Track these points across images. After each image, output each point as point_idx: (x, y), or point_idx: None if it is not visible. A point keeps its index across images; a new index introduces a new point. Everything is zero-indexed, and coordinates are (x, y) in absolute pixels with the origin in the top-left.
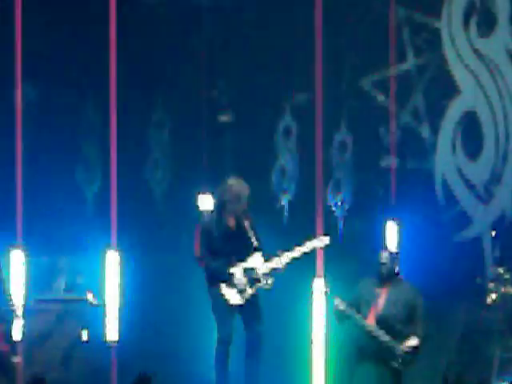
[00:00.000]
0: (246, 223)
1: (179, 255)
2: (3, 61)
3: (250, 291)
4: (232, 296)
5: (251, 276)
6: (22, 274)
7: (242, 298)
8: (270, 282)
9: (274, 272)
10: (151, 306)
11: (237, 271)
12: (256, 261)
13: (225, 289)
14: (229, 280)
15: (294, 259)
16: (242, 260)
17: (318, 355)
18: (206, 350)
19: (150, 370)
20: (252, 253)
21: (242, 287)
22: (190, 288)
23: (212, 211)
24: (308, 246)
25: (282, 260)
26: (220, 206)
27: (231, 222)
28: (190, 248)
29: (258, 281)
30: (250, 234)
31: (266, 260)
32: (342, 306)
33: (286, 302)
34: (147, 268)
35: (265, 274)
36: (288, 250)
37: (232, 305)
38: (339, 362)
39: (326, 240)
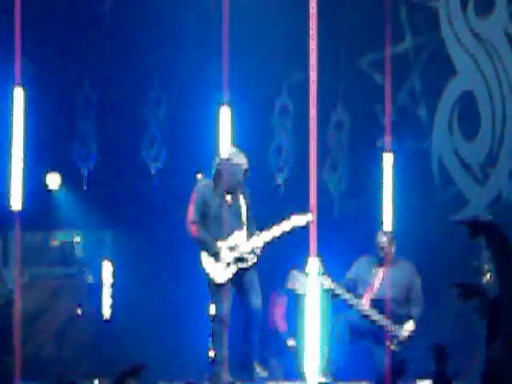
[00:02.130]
0: (241, 197)
1: (174, 233)
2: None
3: (233, 269)
4: (217, 271)
5: (235, 253)
6: (16, 250)
7: (227, 274)
8: (253, 260)
9: (257, 249)
10: (145, 283)
11: (223, 247)
12: (239, 238)
13: (210, 263)
14: (215, 254)
15: (276, 238)
16: (228, 235)
17: (312, 335)
18: (200, 327)
19: (143, 349)
20: (238, 229)
21: (229, 263)
22: (184, 265)
23: (209, 181)
24: (289, 224)
25: (262, 238)
26: (217, 176)
27: (226, 194)
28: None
29: (241, 259)
30: (242, 209)
31: (248, 238)
32: (337, 290)
33: (280, 281)
34: (142, 245)
35: (248, 253)
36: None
37: (223, 282)
38: (333, 342)
39: (308, 217)
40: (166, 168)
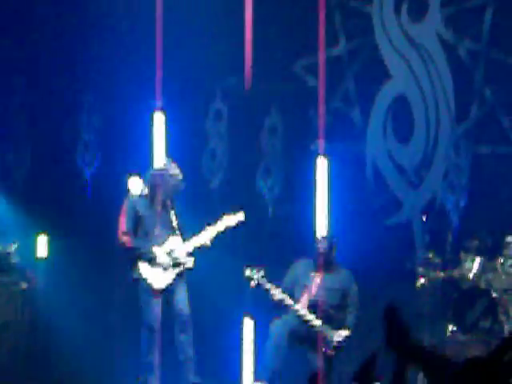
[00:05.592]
0: (171, 206)
1: (109, 239)
2: None
3: (172, 274)
4: (155, 277)
5: (172, 258)
6: None
7: (166, 279)
8: (191, 262)
9: (194, 252)
10: (80, 289)
11: (159, 252)
12: (175, 243)
13: (147, 269)
14: (152, 260)
15: (212, 238)
16: (163, 242)
17: (248, 340)
18: (134, 334)
19: (78, 355)
20: (171, 235)
21: (167, 267)
22: (117, 271)
23: (141, 192)
24: (223, 224)
25: (198, 240)
26: (152, 186)
27: (158, 204)
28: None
29: (179, 263)
30: (172, 217)
31: (184, 241)
32: (273, 291)
33: (217, 287)
34: (76, 251)
35: (185, 256)
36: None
37: (163, 287)
38: (270, 346)
39: (240, 216)
40: (101, 173)
